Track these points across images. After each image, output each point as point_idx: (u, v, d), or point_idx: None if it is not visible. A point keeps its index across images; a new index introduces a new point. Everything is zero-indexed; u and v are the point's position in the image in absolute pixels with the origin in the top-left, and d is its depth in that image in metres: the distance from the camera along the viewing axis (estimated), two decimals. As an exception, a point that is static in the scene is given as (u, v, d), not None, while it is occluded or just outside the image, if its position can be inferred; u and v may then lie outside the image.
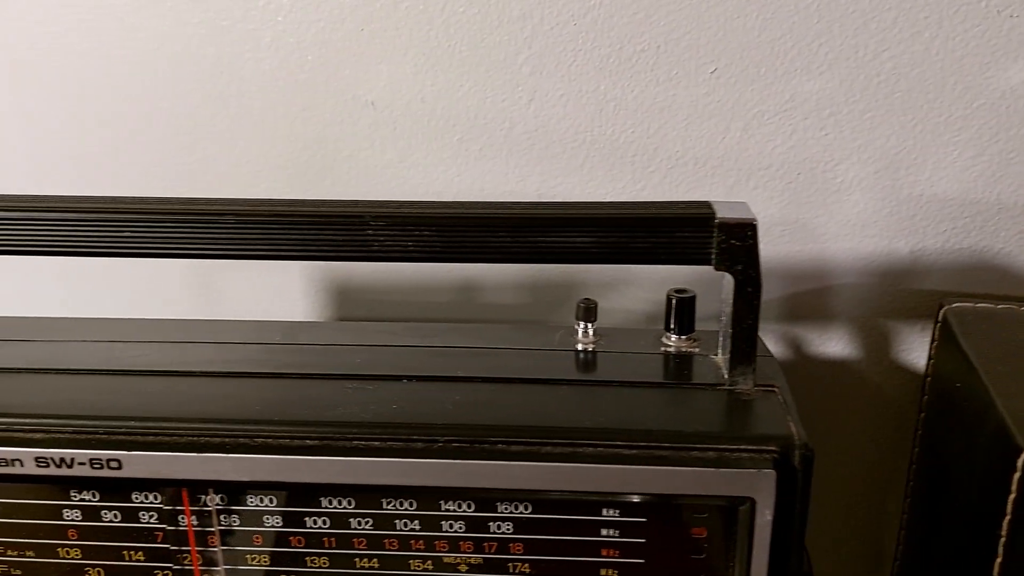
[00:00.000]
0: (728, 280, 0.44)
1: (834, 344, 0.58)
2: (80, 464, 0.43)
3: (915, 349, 0.57)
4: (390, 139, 0.57)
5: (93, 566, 0.46)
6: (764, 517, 0.41)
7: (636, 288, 0.59)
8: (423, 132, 0.57)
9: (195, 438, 0.42)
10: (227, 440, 0.42)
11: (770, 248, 0.57)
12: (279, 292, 0.63)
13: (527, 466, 0.41)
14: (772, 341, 0.58)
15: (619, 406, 0.44)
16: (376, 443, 0.42)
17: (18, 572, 0.46)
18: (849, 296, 0.57)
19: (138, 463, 0.43)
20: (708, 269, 0.54)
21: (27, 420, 0.43)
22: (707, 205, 0.43)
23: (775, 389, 0.44)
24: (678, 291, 0.48)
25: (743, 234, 0.42)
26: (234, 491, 0.44)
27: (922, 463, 0.52)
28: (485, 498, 0.43)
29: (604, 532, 0.43)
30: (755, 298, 0.43)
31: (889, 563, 0.58)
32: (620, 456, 0.41)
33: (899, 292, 0.56)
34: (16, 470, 0.43)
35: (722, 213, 0.43)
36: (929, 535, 0.53)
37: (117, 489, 0.44)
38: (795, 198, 0.55)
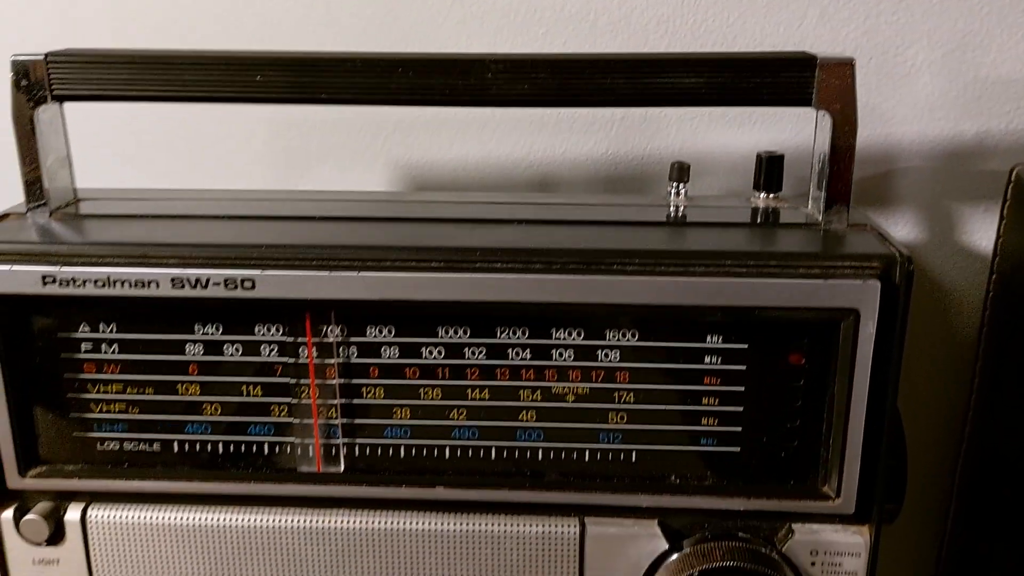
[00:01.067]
0: (824, 123, 0.47)
1: (900, 228, 0.60)
2: (215, 284, 0.44)
3: (979, 231, 0.60)
4: (476, 35, 0.60)
5: (211, 402, 0.48)
6: (867, 330, 0.43)
7: (711, 177, 0.61)
8: (509, 27, 0.60)
9: (326, 260, 0.45)
10: (356, 262, 0.45)
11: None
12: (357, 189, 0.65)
13: (643, 280, 0.43)
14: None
15: (721, 240, 0.47)
16: (498, 264, 0.44)
17: (137, 410, 0.48)
18: (915, 179, 0.59)
19: (271, 283, 0.44)
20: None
21: (163, 247, 0.45)
22: (805, 52, 0.47)
23: (868, 228, 0.47)
24: (768, 152, 0.51)
25: (842, 72, 0.45)
26: (354, 321, 0.46)
27: (993, 331, 0.54)
28: (594, 325, 0.45)
29: (707, 360, 0.46)
30: (851, 137, 0.46)
31: (956, 441, 0.60)
32: (729, 271, 0.43)
33: (964, 174, 0.59)
34: (151, 292, 0.45)
35: (822, 56, 0.46)
36: (1001, 406, 0.55)
37: (243, 320, 0.47)
38: (866, 82, 0.58)
